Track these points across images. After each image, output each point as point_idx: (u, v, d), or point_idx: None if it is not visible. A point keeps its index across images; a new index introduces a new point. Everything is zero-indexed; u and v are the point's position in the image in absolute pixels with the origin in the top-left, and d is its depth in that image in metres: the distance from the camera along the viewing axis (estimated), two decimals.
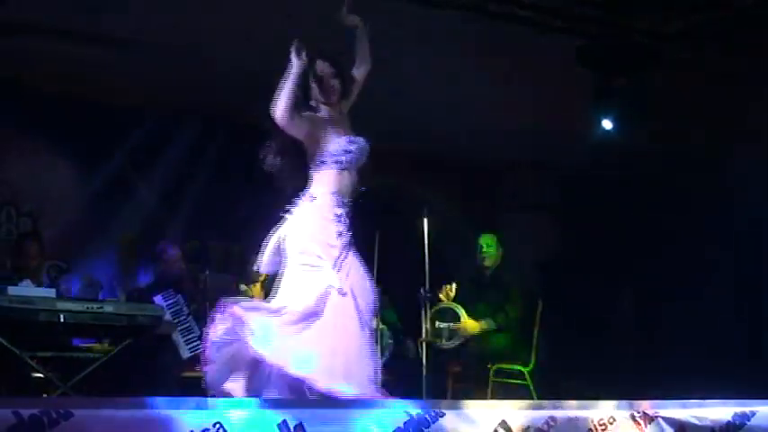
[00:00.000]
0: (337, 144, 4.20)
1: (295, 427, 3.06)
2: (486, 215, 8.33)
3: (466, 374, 6.20)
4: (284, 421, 3.04)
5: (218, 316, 4.02)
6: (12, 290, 5.26)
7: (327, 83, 4.29)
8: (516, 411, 3.54)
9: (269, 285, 6.74)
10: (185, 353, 5.94)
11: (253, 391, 3.96)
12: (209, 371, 4.01)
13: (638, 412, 3.76)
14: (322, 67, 4.31)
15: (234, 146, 7.68)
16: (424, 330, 6.18)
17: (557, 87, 6.66)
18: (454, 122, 7.40)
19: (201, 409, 2.98)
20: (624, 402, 3.79)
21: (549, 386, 6.46)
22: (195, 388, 5.74)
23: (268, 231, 4.23)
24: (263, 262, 4.20)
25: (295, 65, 4.17)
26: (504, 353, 6.25)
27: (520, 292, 6.55)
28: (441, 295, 6.40)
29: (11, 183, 6.88)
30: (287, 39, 6.12)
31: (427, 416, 3.31)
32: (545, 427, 3.54)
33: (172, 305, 6.02)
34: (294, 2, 5.79)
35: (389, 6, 5.79)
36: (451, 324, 6.31)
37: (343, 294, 4.00)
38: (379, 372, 4.08)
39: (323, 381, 3.84)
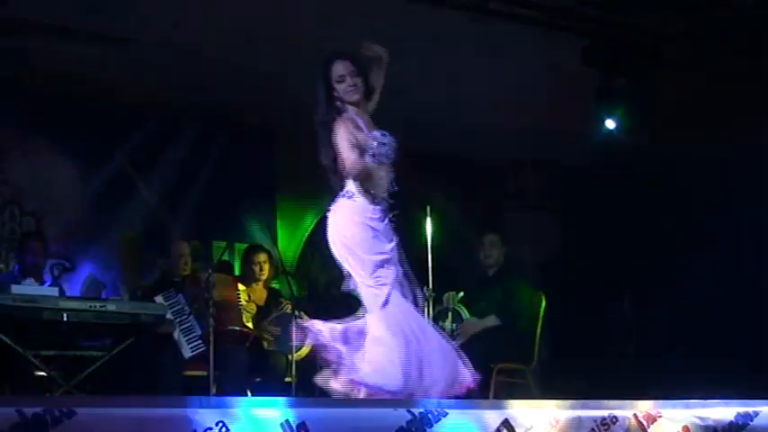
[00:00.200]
0: (372, 138, 4.15)
1: (298, 427, 3.06)
2: (488, 215, 8.33)
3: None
4: (287, 420, 3.04)
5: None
6: (15, 288, 5.28)
7: (349, 81, 4.26)
8: (519, 411, 3.54)
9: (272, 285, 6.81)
10: (187, 352, 5.94)
11: None
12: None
13: (641, 412, 3.76)
14: (340, 66, 4.27)
15: (235, 145, 7.70)
16: None
17: (559, 87, 6.66)
18: (456, 122, 7.40)
19: (204, 408, 2.98)
20: (627, 402, 3.79)
21: (552, 385, 6.46)
22: (197, 387, 5.75)
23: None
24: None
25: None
26: (507, 352, 6.25)
27: (523, 291, 6.55)
28: (444, 297, 6.40)
29: (13, 182, 6.88)
30: (287, 38, 6.16)
31: (430, 415, 3.31)
32: (548, 426, 3.54)
33: (173, 304, 6.02)
34: (295, 1, 5.79)
35: (391, 5, 5.80)
36: (455, 324, 6.31)
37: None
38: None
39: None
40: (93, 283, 6.68)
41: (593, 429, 3.65)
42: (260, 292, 6.67)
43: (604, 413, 3.69)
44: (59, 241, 6.81)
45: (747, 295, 7.71)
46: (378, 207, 4.21)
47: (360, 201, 4.20)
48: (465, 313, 6.34)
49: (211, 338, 5.72)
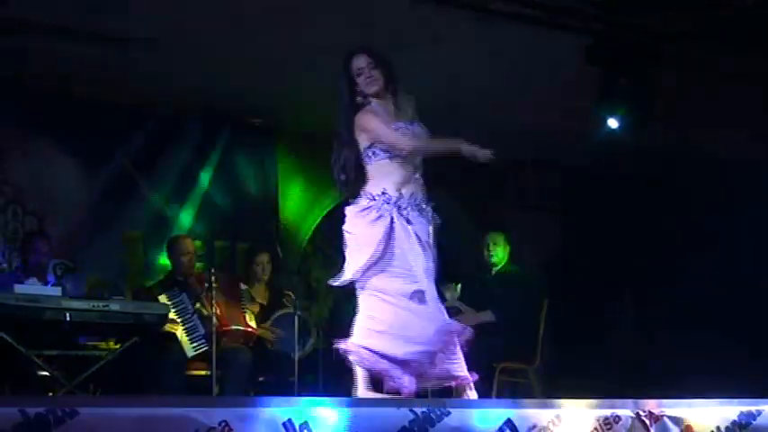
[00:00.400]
0: (395, 128, 4.19)
1: (300, 426, 3.06)
2: (490, 214, 8.33)
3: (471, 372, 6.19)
4: (289, 420, 3.04)
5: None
6: (18, 288, 5.29)
7: (368, 74, 4.26)
8: (521, 410, 3.54)
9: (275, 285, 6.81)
10: (190, 352, 5.94)
11: None
12: None
13: (644, 411, 3.76)
14: (358, 61, 4.29)
15: (237, 144, 7.70)
16: None
17: (560, 86, 6.66)
18: (457, 121, 7.39)
19: (207, 407, 2.98)
20: (630, 401, 3.79)
21: (554, 384, 6.46)
22: (200, 386, 5.76)
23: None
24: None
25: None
26: (509, 352, 6.25)
27: (525, 290, 6.54)
28: (446, 294, 6.40)
29: (15, 182, 6.89)
30: (288, 38, 6.16)
31: (432, 414, 3.30)
32: (550, 425, 3.54)
33: (177, 303, 6.02)
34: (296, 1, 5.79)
35: (392, 5, 5.79)
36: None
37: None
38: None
39: None
40: (96, 282, 6.69)
41: (595, 428, 3.64)
42: (262, 293, 6.67)
43: (607, 412, 3.69)
44: (62, 241, 6.82)
45: (748, 295, 7.71)
46: (393, 205, 4.18)
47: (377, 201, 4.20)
48: (467, 311, 6.36)
49: (214, 338, 5.73)
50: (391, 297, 4.13)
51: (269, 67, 6.63)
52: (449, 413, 3.33)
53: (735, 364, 6.95)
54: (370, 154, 4.25)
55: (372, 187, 4.21)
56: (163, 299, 5.96)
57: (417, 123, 4.32)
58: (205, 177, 7.56)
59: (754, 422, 3.94)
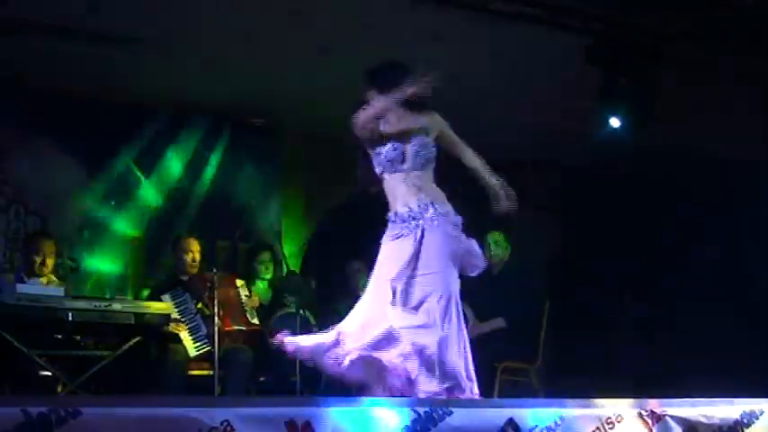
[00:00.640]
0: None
1: (303, 426, 3.05)
2: (490, 214, 8.31)
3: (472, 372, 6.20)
4: (292, 420, 3.04)
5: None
6: (20, 288, 5.28)
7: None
8: (523, 410, 3.54)
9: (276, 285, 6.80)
10: (192, 352, 5.94)
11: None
12: None
13: (646, 411, 3.76)
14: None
15: (240, 144, 7.70)
16: None
17: (562, 86, 6.65)
18: (457, 121, 7.38)
19: (209, 407, 2.98)
20: (632, 401, 3.79)
21: (556, 384, 6.45)
22: (202, 386, 5.76)
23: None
24: None
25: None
26: (511, 351, 6.25)
27: (526, 290, 6.54)
28: None
29: (16, 181, 6.90)
30: (289, 38, 6.16)
31: (435, 414, 3.30)
32: (552, 425, 3.53)
33: (180, 303, 6.02)
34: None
35: (394, 4, 5.79)
36: None
37: None
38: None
39: None
40: (98, 282, 6.70)
41: (597, 428, 3.64)
42: (264, 292, 6.67)
43: (609, 412, 3.68)
44: (64, 240, 6.82)
45: (748, 295, 7.72)
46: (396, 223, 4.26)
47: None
48: (470, 315, 6.35)
49: (216, 338, 5.73)
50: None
51: (270, 66, 6.63)
52: (451, 413, 3.33)
53: (735, 364, 6.94)
54: (376, 166, 4.32)
55: (391, 207, 4.30)
56: (165, 299, 5.96)
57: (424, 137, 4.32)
58: (206, 177, 7.56)
59: (756, 421, 3.94)
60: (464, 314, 6.31)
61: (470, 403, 3.78)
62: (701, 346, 7.53)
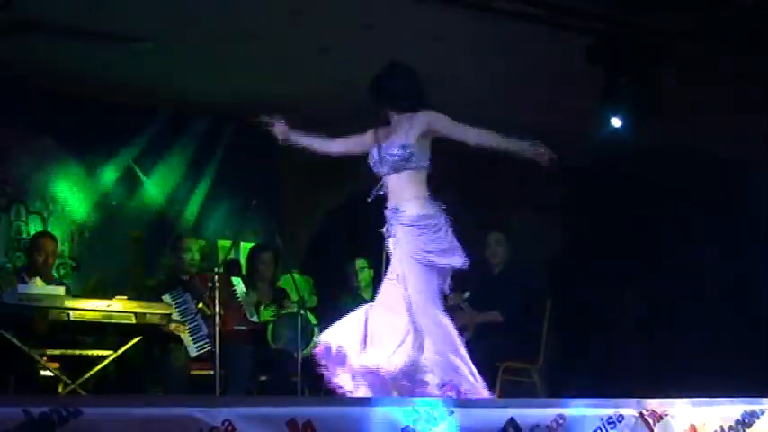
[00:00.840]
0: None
1: (304, 425, 3.05)
2: (493, 214, 8.32)
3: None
4: (293, 419, 3.04)
5: None
6: (21, 287, 5.30)
7: None
8: (524, 409, 3.54)
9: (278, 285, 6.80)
10: (193, 351, 5.95)
11: None
12: None
13: (647, 410, 3.75)
14: None
15: (240, 144, 7.70)
16: None
17: (564, 86, 6.65)
18: (457, 121, 7.38)
19: (210, 407, 2.97)
20: (633, 400, 3.78)
21: (558, 384, 6.45)
22: (203, 386, 5.76)
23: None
24: None
25: None
26: (513, 351, 6.25)
27: (527, 290, 6.54)
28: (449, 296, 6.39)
29: (18, 181, 6.90)
30: (289, 37, 6.16)
31: (436, 414, 3.30)
32: (554, 425, 3.53)
33: (180, 303, 6.02)
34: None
35: (395, 4, 5.79)
36: (459, 322, 6.30)
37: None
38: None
39: None
40: (100, 282, 6.71)
41: (599, 428, 3.64)
42: (266, 291, 6.67)
43: (610, 411, 3.68)
44: (65, 240, 6.83)
45: (748, 294, 7.71)
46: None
47: None
48: (468, 308, 6.35)
49: (217, 338, 5.73)
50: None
51: (271, 66, 6.63)
52: (452, 412, 3.33)
53: (735, 364, 6.95)
54: None
55: None
56: (166, 299, 5.96)
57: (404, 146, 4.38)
58: (208, 176, 7.56)
59: (757, 421, 3.94)
60: (461, 309, 6.37)
61: (471, 403, 3.78)
62: (701, 346, 7.53)
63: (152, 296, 6.05)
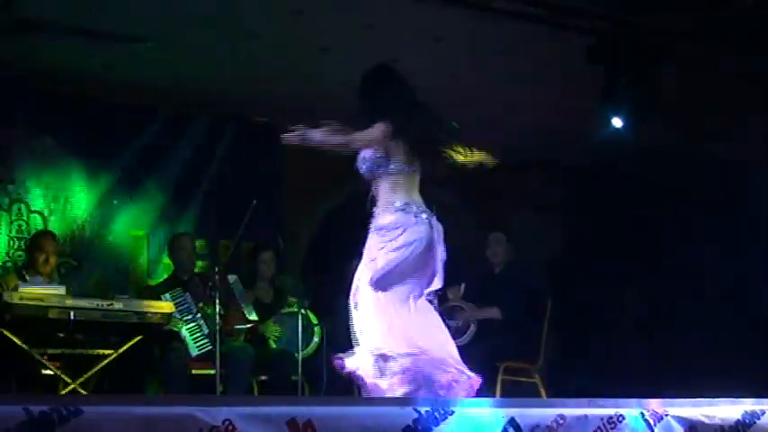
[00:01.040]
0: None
1: (304, 425, 3.05)
2: (494, 214, 8.33)
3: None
4: (293, 419, 3.04)
5: None
6: (23, 287, 5.29)
7: None
8: (525, 409, 3.54)
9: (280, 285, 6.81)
10: (193, 351, 5.95)
11: None
12: None
13: (648, 410, 3.75)
14: None
15: (243, 143, 7.70)
16: None
17: (565, 85, 6.66)
18: (457, 120, 7.39)
19: (211, 406, 2.97)
20: (634, 401, 3.78)
21: (558, 384, 6.46)
22: (204, 385, 5.76)
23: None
24: None
25: None
26: (513, 351, 6.25)
27: (528, 290, 6.55)
28: (449, 294, 6.40)
29: (20, 181, 6.91)
30: (290, 37, 6.16)
31: (436, 414, 3.30)
32: (554, 425, 3.53)
33: (180, 303, 6.03)
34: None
35: (395, 4, 5.79)
36: (460, 321, 6.31)
37: None
38: None
39: None
40: (100, 281, 6.70)
41: (599, 428, 3.63)
42: (267, 291, 6.68)
43: (611, 411, 3.68)
44: (66, 239, 6.83)
45: (748, 294, 7.71)
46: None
47: None
48: (468, 306, 6.37)
49: (217, 337, 5.73)
50: None
51: (271, 66, 6.64)
52: (452, 412, 3.33)
53: (735, 364, 6.95)
54: None
55: None
56: (166, 299, 5.97)
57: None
58: (209, 176, 7.56)
59: (758, 421, 3.93)
60: (461, 307, 6.39)
61: (472, 403, 3.78)
62: (701, 346, 7.53)
63: (152, 296, 6.05)
